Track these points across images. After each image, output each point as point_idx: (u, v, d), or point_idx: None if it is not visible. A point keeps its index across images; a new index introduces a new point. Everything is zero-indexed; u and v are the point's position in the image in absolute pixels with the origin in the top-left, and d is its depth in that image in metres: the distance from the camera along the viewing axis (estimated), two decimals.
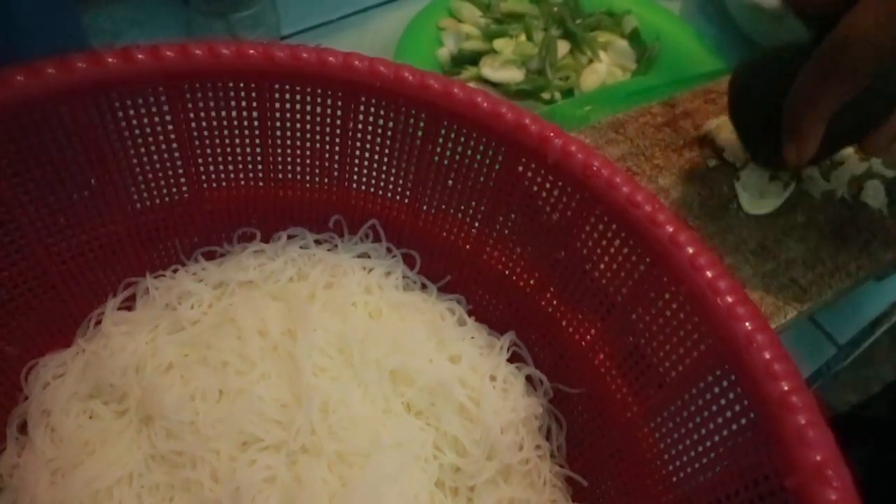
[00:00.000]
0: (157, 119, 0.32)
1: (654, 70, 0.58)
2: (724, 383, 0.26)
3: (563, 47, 0.57)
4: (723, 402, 0.26)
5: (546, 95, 0.55)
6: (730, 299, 0.26)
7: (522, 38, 0.58)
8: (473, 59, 0.57)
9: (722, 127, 0.45)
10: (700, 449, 0.27)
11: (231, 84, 0.32)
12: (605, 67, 0.58)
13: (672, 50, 0.59)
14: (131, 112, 0.31)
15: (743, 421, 0.25)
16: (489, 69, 0.56)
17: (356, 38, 0.64)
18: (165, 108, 0.32)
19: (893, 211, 0.43)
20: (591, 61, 0.58)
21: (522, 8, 0.60)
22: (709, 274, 0.27)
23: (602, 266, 0.31)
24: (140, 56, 0.30)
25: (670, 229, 0.28)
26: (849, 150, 0.45)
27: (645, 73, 0.58)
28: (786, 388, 0.24)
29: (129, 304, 0.37)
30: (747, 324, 0.25)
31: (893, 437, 0.58)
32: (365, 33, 0.64)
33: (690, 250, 0.27)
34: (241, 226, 0.38)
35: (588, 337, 0.33)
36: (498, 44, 0.57)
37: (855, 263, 0.40)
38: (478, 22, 0.59)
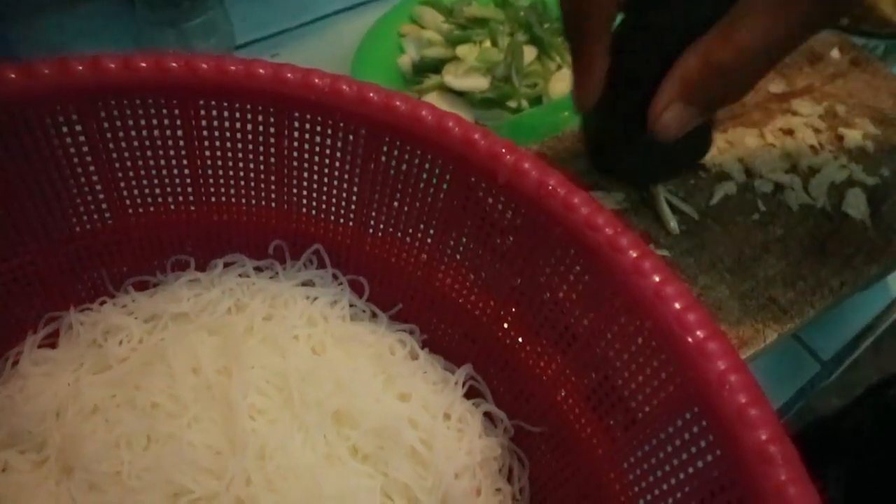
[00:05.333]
0: (68, 140, 0.29)
1: None
2: (695, 429, 0.23)
3: (529, 53, 0.55)
4: (694, 449, 0.23)
5: (513, 104, 0.53)
6: (700, 334, 0.23)
7: (487, 43, 0.55)
8: (436, 66, 0.54)
9: None
10: (670, 501, 0.25)
11: (151, 100, 0.29)
12: None
13: None
14: (38, 132, 0.28)
15: (716, 473, 0.23)
16: (452, 77, 0.53)
17: (315, 46, 0.61)
18: (78, 127, 0.29)
19: (876, 221, 0.40)
20: (559, 67, 0.55)
21: (487, 13, 0.57)
22: (677, 305, 0.24)
23: (561, 294, 0.28)
24: (45, 71, 0.27)
25: (633, 255, 0.25)
26: (827, 156, 0.43)
27: None
28: (763, 437, 0.21)
29: (52, 341, 0.33)
30: (720, 363, 0.22)
31: (875, 448, 0.55)
32: (324, 41, 0.62)
33: (656, 278, 0.24)
34: (175, 253, 0.34)
35: (549, 371, 0.30)
36: (461, 50, 0.54)
37: (838, 279, 0.38)
38: (440, 28, 0.56)
